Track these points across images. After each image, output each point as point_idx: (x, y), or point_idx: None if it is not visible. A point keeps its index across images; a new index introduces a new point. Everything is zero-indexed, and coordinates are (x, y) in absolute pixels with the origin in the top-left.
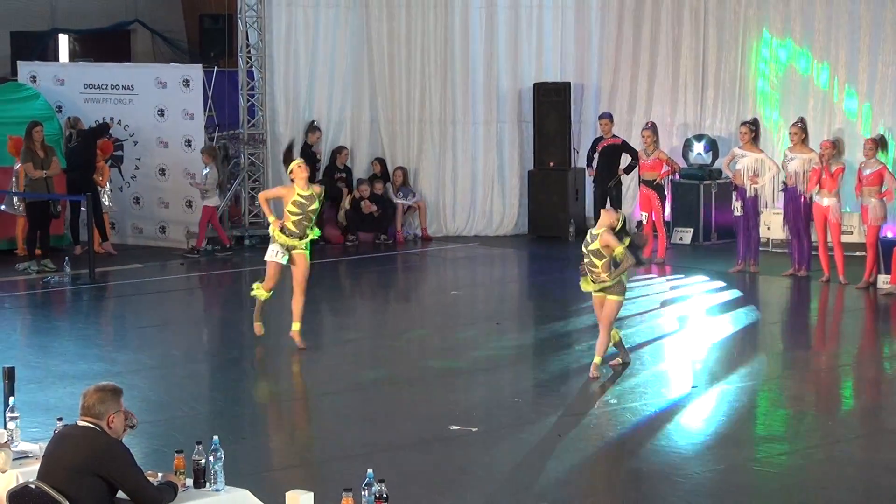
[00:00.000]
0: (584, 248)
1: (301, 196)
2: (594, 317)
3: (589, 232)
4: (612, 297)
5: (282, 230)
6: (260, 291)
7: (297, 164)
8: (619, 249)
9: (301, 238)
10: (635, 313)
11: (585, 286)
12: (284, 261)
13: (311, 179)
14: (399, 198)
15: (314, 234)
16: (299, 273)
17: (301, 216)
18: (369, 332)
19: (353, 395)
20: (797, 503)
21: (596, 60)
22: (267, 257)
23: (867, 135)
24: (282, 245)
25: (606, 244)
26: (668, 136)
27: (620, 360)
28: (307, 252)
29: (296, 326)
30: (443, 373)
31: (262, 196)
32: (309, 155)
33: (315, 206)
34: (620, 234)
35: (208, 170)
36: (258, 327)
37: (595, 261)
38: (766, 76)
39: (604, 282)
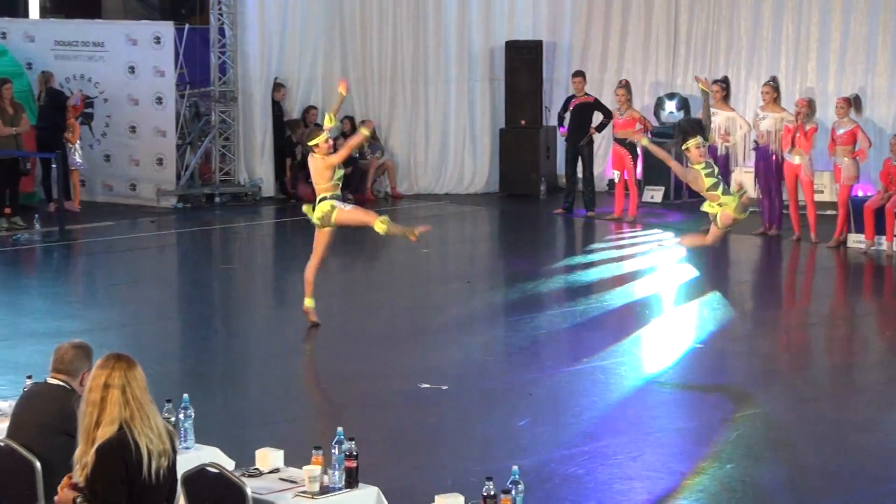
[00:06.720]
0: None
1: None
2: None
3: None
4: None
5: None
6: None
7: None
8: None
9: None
10: (607, 276)
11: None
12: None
13: (279, 136)
14: (368, 155)
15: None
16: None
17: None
18: (339, 290)
19: (322, 353)
20: (766, 460)
21: (568, 18)
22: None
23: (838, 94)
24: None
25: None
26: (640, 94)
27: None
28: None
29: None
30: (413, 331)
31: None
32: (275, 113)
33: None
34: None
35: None
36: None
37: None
38: (738, 34)
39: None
